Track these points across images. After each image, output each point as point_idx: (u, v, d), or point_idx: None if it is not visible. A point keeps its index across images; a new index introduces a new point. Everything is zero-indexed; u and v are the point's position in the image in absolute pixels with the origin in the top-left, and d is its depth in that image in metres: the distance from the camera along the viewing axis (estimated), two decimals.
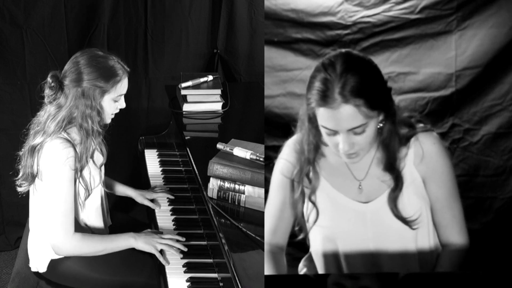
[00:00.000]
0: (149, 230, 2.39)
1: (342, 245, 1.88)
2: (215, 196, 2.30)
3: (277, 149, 2.59)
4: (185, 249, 2.28)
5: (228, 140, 2.41)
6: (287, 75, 2.57)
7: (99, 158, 2.33)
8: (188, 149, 2.65)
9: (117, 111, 2.28)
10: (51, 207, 2.17)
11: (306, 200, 1.89)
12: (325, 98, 1.67)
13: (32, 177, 2.22)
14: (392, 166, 1.81)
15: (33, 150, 2.18)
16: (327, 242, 1.89)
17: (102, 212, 2.40)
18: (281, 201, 1.93)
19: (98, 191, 2.35)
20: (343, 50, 1.74)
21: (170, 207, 2.61)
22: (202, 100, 3.04)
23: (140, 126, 3.59)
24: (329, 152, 1.86)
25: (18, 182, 2.28)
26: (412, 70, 2.50)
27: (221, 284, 2.15)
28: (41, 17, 3.22)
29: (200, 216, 2.52)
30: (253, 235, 2.05)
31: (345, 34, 2.53)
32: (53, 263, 2.30)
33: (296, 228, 1.94)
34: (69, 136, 2.18)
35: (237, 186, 2.25)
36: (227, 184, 2.27)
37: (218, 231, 2.10)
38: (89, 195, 2.25)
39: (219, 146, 2.36)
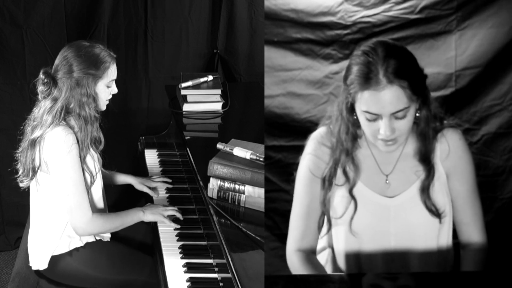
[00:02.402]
0: (149, 203, 2.55)
1: (364, 242, 1.87)
2: (215, 196, 2.30)
3: (277, 149, 2.60)
4: (181, 218, 2.47)
5: (228, 140, 2.41)
6: (287, 75, 2.57)
7: (98, 145, 2.37)
8: (188, 149, 2.65)
9: (110, 96, 2.35)
10: (67, 192, 2.21)
11: (333, 196, 1.87)
12: (369, 81, 1.70)
13: (33, 172, 2.26)
14: (427, 157, 1.83)
15: (33, 143, 2.22)
16: (350, 239, 1.87)
17: (104, 202, 2.44)
18: (310, 201, 1.89)
19: (99, 181, 2.38)
20: (379, 39, 1.79)
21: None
22: (202, 100, 3.04)
23: (140, 126, 3.59)
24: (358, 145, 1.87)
25: (19, 179, 2.32)
26: None
27: (221, 284, 2.15)
28: (41, 17, 3.22)
29: (200, 216, 2.52)
30: (253, 235, 2.05)
31: (345, 34, 2.53)
32: (53, 260, 2.32)
33: (323, 229, 1.91)
34: (68, 124, 2.23)
35: (237, 186, 2.25)
36: (227, 184, 2.27)
37: (218, 231, 2.10)
38: (94, 181, 2.30)
39: (219, 146, 2.37)
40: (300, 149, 1.97)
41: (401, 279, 1.78)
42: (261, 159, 2.26)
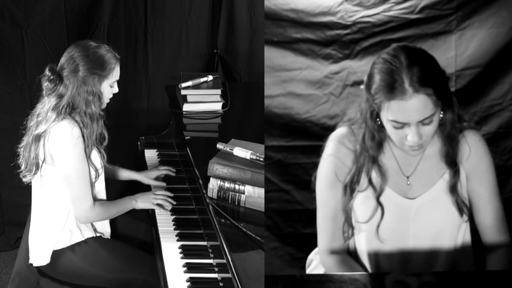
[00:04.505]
0: (140, 193, 2.54)
1: (384, 243, 1.86)
2: (215, 196, 2.30)
3: (277, 149, 2.60)
4: (174, 203, 2.54)
5: (228, 140, 2.41)
6: (287, 75, 2.57)
7: (102, 141, 2.40)
8: (188, 149, 2.65)
9: (111, 95, 2.39)
10: (73, 183, 2.26)
11: (352, 201, 1.86)
12: (394, 90, 1.67)
13: (36, 167, 2.28)
14: (454, 158, 1.83)
15: (38, 137, 2.25)
16: (372, 241, 1.87)
17: (104, 192, 2.45)
18: (336, 203, 1.88)
19: (102, 175, 2.40)
20: (400, 44, 1.75)
21: (170, 207, 2.61)
22: (202, 100, 3.04)
23: (140, 126, 3.59)
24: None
25: (21, 174, 2.35)
26: None
27: (221, 284, 2.15)
28: (41, 17, 3.22)
29: (200, 216, 2.52)
30: (253, 235, 2.05)
31: (345, 34, 2.53)
32: (55, 255, 2.33)
33: (345, 235, 1.90)
34: (73, 119, 2.26)
35: (237, 186, 2.25)
36: (227, 184, 2.27)
37: (218, 231, 2.10)
38: (98, 175, 2.35)
39: (219, 146, 2.37)
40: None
41: (425, 276, 1.77)
42: (261, 159, 2.26)
